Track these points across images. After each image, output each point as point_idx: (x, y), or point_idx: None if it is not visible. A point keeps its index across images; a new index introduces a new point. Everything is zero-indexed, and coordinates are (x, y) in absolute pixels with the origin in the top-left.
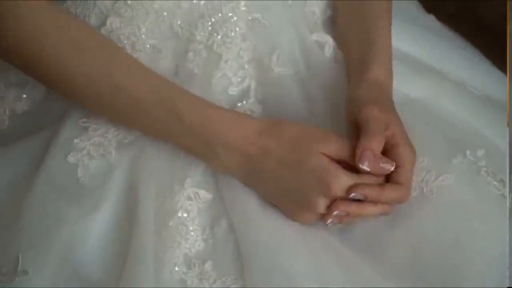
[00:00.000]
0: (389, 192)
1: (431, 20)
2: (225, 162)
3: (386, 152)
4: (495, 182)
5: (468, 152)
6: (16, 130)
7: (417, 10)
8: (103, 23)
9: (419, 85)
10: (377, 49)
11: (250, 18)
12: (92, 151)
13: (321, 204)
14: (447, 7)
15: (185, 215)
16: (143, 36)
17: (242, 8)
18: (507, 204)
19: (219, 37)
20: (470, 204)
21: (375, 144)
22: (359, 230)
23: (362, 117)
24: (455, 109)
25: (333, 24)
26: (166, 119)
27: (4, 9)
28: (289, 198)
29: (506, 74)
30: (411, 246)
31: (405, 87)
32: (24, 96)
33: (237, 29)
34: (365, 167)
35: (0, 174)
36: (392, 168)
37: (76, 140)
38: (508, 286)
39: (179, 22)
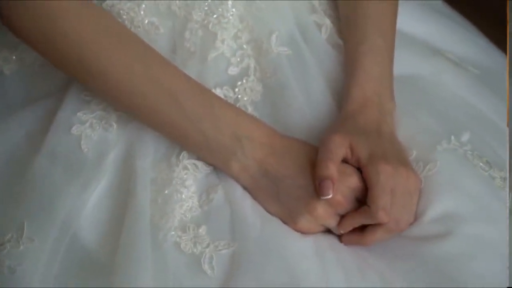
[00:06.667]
0: (358, 219)
1: None
2: (245, 156)
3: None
4: (481, 164)
5: (452, 137)
6: (5, 92)
7: None
8: None
9: (417, 65)
10: (367, 47)
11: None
12: (94, 124)
13: (319, 208)
14: None
15: (180, 182)
16: (142, 13)
17: None
18: (507, 203)
19: (214, 16)
20: (458, 185)
21: (332, 171)
22: None
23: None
24: (451, 86)
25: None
26: (200, 112)
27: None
28: (290, 199)
29: (505, 53)
30: (413, 237)
31: (403, 66)
32: (14, 57)
33: (233, 10)
34: (327, 196)
35: (3, 143)
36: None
37: (79, 114)
38: (508, 286)
39: (177, 1)
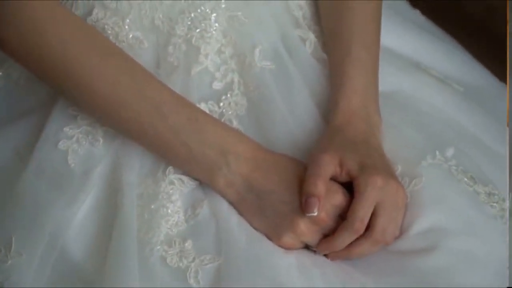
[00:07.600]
0: (341, 237)
1: (415, 14)
2: (231, 171)
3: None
4: (466, 179)
5: (437, 152)
6: None
7: (402, 4)
8: (90, 13)
9: (401, 80)
10: (351, 60)
11: (229, 15)
12: (81, 139)
13: (302, 225)
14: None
15: (166, 197)
16: (127, 27)
17: (222, 6)
18: (507, 204)
19: (197, 30)
20: (443, 200)
21: (320, 189)
22: None
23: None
24: (435, 102)
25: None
26: (186, 125)
27: (24, 13)
28: (275, 214)
29: (482, 64)
30: (398, 252)
31: (387, 81)
32: (0, 73)
33: (216, 25)
34: (312, 214)
35: None
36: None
37: (66, 129)
38: (508, 286)
39: (160, 16)
